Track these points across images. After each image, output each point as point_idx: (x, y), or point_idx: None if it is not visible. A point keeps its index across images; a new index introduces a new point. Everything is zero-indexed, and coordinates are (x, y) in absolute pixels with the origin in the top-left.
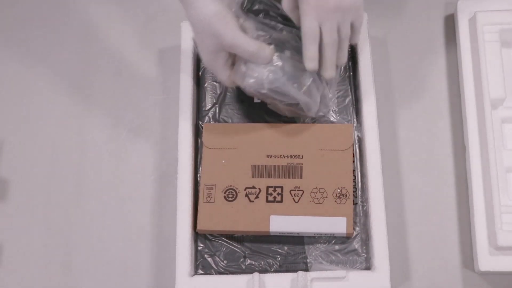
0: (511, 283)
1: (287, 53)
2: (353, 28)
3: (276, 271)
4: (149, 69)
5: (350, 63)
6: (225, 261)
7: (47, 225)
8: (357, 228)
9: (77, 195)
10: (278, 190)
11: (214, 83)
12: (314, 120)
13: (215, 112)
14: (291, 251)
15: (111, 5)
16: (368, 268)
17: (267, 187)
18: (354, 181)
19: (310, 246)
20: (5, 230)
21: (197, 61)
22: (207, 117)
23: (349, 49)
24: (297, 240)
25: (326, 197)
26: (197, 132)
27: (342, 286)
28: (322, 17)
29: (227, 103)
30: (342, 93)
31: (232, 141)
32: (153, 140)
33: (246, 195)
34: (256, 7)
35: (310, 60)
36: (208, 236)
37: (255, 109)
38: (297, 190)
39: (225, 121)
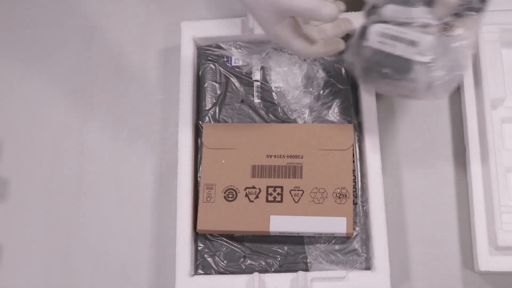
0: (511, 283)
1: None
2: None
3: (276, 271)
4: (149, 69)
5: None
6: (225, 261)
7: (47, 225)
8: (357, 228)
9: (77, 195)
10: (278, 190)
11: (214, 83)
12: (314, 120)
13: (215, 112)
14: (291, 251)
15: (111, 4)
16: (368, 268)
17: (267, 187)
18: (354, 181)
19: (310, 246)
20: (5, 230)
21: (197, 61)
22: (207, 117)
23: None
24: (297, 240)
25: (326, 197)
26: (197, 132)
27: (342, 286)
28: None
29: (227, 103)
30: (342, 93)
31: (232, 141)
32: (153, 140)
33: (246, 195)
34: None
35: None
36: (208, 236)
37: (255, 109)
38: (297, 190)
39: (225, 121)
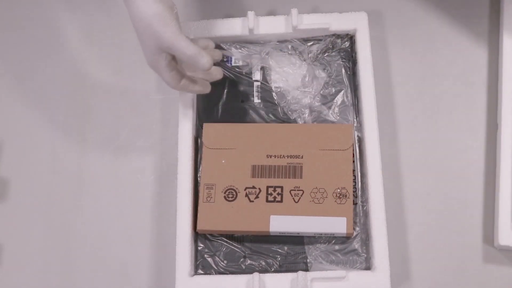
0: None
1: None
2: None
3: (276, 271)
4: (149, 69)
5: (350, 63)
6: (225, 261)
7: (47, 225)
8: (357, 228)
9: (77, 195)
10: (278, 190)
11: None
12: (314, 120)
13: (215, 112)
14: (291, 251)
15: (111, 4)
16: (368, 268)
17: (267, 187)
18: (354, 181)
19: (310, 246)
20: (5, 230)
21: None
22: (207, 117)
23: (349, 49)
24: (297, 240)
25: (326, 197)
26: (197, 132)
27: (342, 286)
28: None
29: (227, 103)
30: (342, 93)
31: (232, 141)
32: (153, 140)
33: (246, 195)
34: None
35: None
36: (208, 236)
37: (255, 109)
38: (297, 190)
39: (225, 121)
